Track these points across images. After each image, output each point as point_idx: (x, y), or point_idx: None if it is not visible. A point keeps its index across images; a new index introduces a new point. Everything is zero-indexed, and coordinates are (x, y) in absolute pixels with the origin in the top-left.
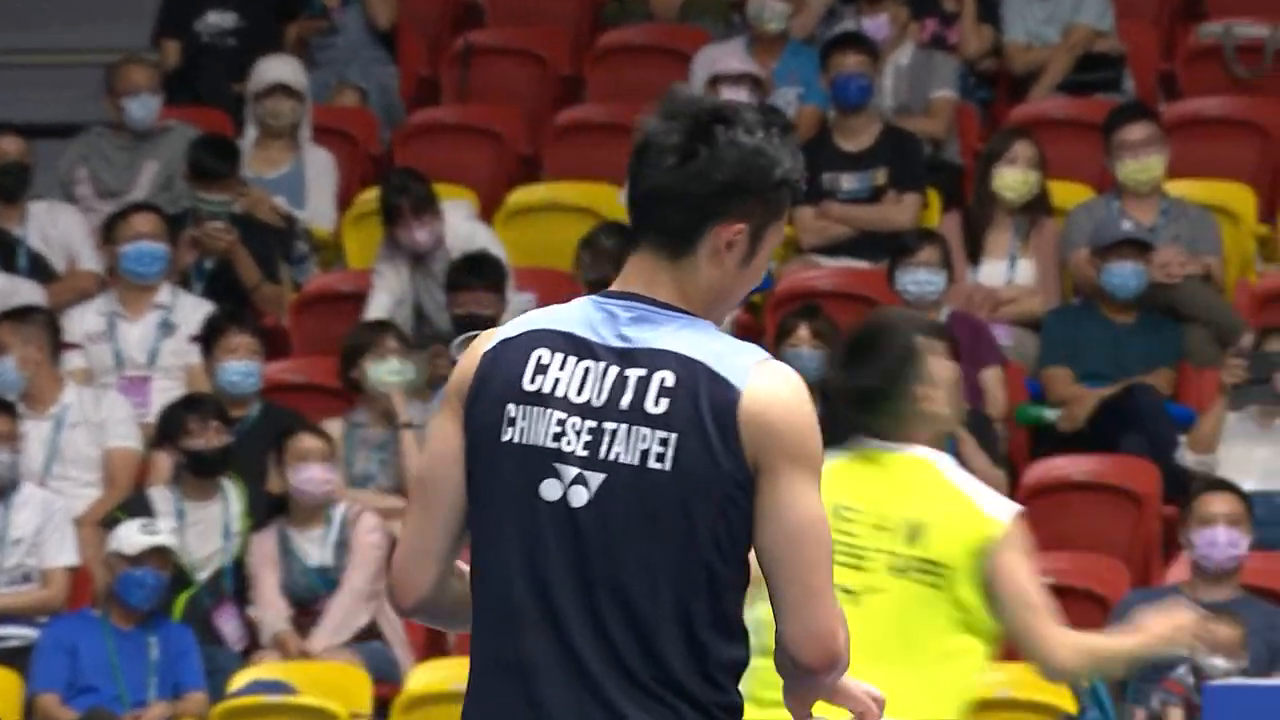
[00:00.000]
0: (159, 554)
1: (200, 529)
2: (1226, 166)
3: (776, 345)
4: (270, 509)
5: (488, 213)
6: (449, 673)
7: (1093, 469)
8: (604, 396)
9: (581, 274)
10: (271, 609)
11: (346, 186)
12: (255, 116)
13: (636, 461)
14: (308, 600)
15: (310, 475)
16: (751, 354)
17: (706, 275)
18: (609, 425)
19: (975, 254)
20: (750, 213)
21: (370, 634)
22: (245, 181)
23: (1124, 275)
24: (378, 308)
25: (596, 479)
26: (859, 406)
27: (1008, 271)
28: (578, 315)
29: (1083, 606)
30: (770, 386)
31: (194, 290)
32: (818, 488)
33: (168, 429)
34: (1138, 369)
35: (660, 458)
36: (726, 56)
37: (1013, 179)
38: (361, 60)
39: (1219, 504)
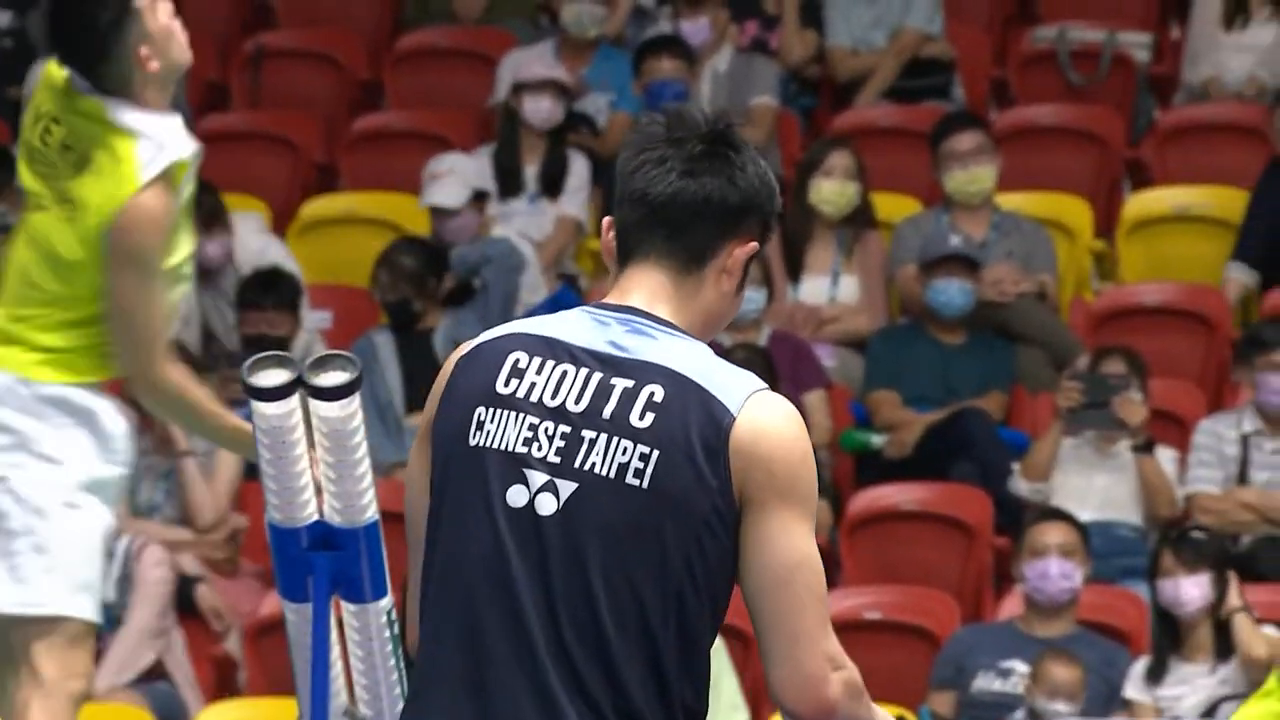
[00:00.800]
0: None
1: None
2: (1061, 178)
3: None
4: None
5: (280, 226)
6: (240, 714)
7: (921, 498)
8: (584, 403)
9: (379, 294)
10: None
11: None
12: None
13: (612, 475)
14: None
15: None
16: (750, 381)
17: (709, 295)
18: (587, 433)
19: (795, 270)
20: (756, 232)
21: (155, 674)
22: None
23: (951, 293)
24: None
25: (567, 488)
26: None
27: (830, 288)
28: (566, 322)
29: (911, 643)
30: (767, 417)
31: None
32: (810, 528)
33: None
34: (968, 392)
35: (638, 474)
36: (532, 61)
37: (830, 191)
38: None
39: (1052, 534)
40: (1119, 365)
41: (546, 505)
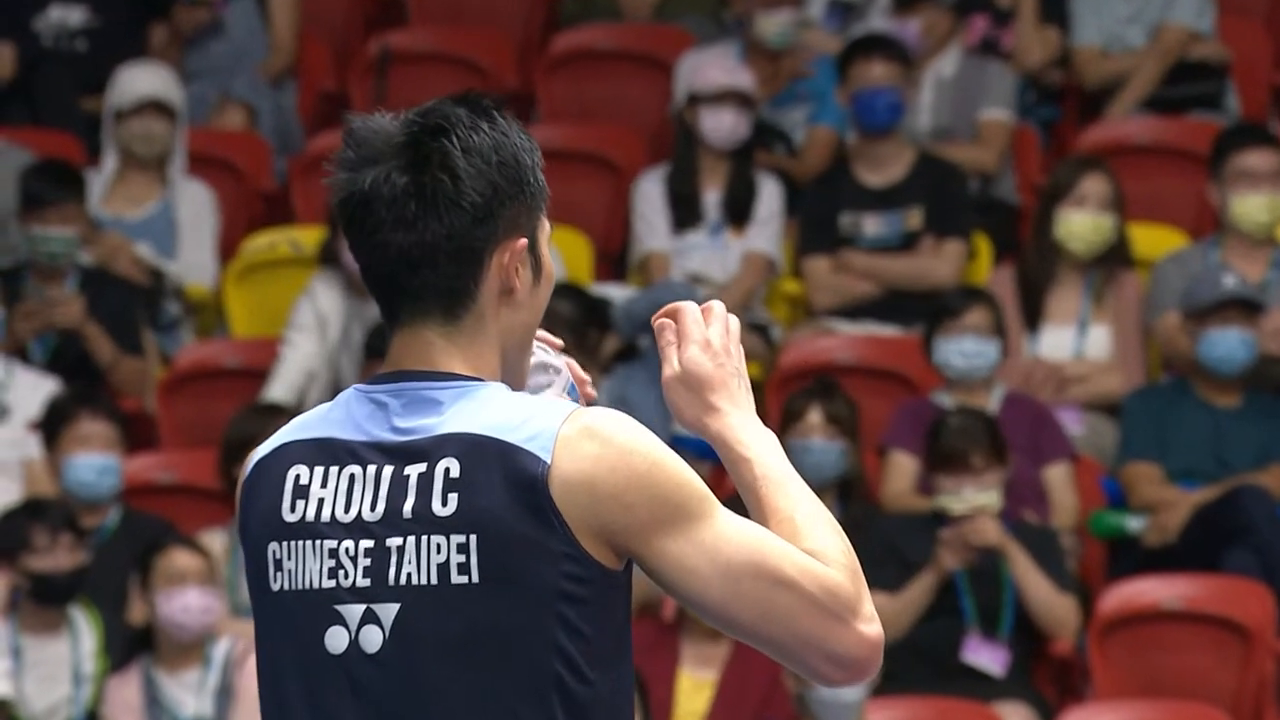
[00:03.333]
0: None
1: (43, 672)
2: None
3: (781, 432)
4: (132, 645)
5: None
6: None
7: (1188, 594)
8: (380, 507)
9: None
10: None
11: (229, 231)
12: (114, 141)
13: (434, 580)
14: None
15: (184, 603)
16: (555, 412)
17: (502, 322)
18: (392, 541)
19: (1034, 318)
20: (519, 221)
21: None
22: (97, 223)
23: (1229, 344)
24: (282, 385)
25: (389, 612)
26: None
27: (1077, 341)
28: (337, 415)
29: None
30: (586, 449)
31: (33, 363)
32: (710, 519)
33: (3, 544)
34: (1245, 465)
35: (463, 568)
36: (710, 66)
37: (1081, 224)
38: (250, 70)
39: None
40: None
41: (373, 640)
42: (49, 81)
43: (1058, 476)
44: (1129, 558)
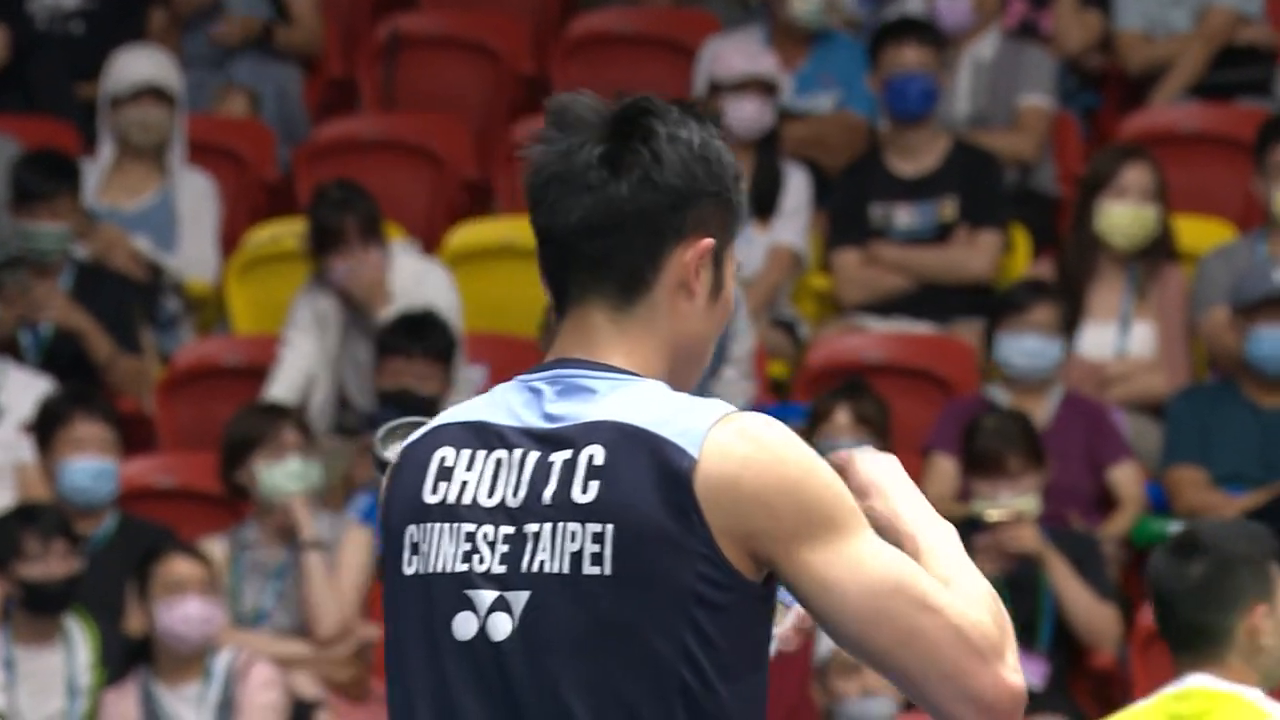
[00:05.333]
0: None
1: (36, 684)
2: None
3: (810, 432)
4: (130, 656)
5: None
6: None
7: None
8: (523, 492)
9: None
10: None
11: (232, 224)
12: (111, 129)
13: (566, 569)
14: None
15: (184, 613)
16: (710, 411)
17: (670, 321)
18: (531, 527)
19: (1075, 315)
20: (710, 224)
21: None
22: (93, 215)
23: (1277, 342)
24: (283, 386)
25: (520, 599)
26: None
27: (1119, 338)
28: (493, 401)
29: None
30: (736, 449)
31: (26, 362)
32: (862, 538)
33: None
34: None
35: (596, 559)
36: (731, 53)
37: (1123, 216)
38: (253, 55)
39: None
40: None
41: (501, 628)
42: (43, 67)
43: (1124, 476)
44: None
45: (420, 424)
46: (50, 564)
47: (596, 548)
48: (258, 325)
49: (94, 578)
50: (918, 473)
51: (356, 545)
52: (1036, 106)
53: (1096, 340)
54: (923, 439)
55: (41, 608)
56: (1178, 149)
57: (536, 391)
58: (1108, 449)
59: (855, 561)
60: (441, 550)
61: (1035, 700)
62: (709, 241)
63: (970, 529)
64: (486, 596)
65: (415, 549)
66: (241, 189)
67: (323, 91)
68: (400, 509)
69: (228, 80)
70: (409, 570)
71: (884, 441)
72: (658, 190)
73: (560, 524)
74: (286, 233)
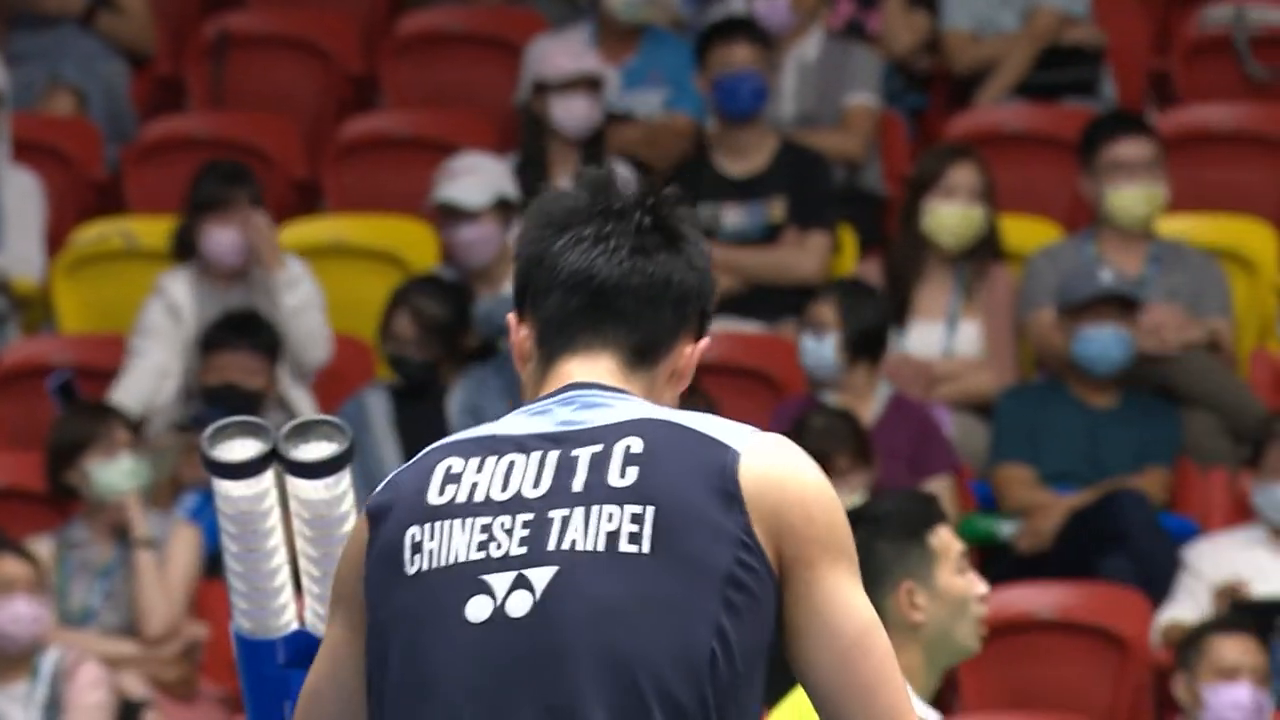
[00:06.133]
0: None
1: None
2: (1237, 197)
3: None
4: None
5: None
6: None
7: (1062, 602)
8: (545, 485)
9: (392, 348)
10: None
11: (58, 222)
12: None
13: (601, 547)
14: None
15: (12, 612)
16: (744, 425)
17: (655, 399)
18: (557, 513)
19: (902, 314)
20: (704, 326)
21: None
22: None
23: (1103, 342)
24: (129, 393)
25: (544, 574)
26: None
27: (946, 337)
28: (498, 423)
29: None
30: (781, 455)
31: None
32: (857, 574)
33: None
34: (1122, 468)
35: (634, 538)
36: (557, 53)
37: (950, 216)
38: (80, 53)
39: (1237, 649)
40: None
41: (521, 605)
42: None
43: (938, 491)
44: (1000, 564)
45: (250, 424)
46: None
47: (635, 528)
48: (85, 324)
49: None
50: None
51: (185, 544)
52: (863, 106)
53: (924, 339)
54: None
55: None
56: (1004, 149)
57: (546, 411)
58: (929, 459)
59: (859, 593)
60: (453, 543)
61: None
62: (707, 342)
63: None
64: (504, 579)
65: (417, 548)
66: (68, 187)
67: (151, 90)
68: (398, 515)
69: (54, 78)
70: (410, 570)
71: None
72: (694, 274)
73: (594, 506)
74: (114, 231)
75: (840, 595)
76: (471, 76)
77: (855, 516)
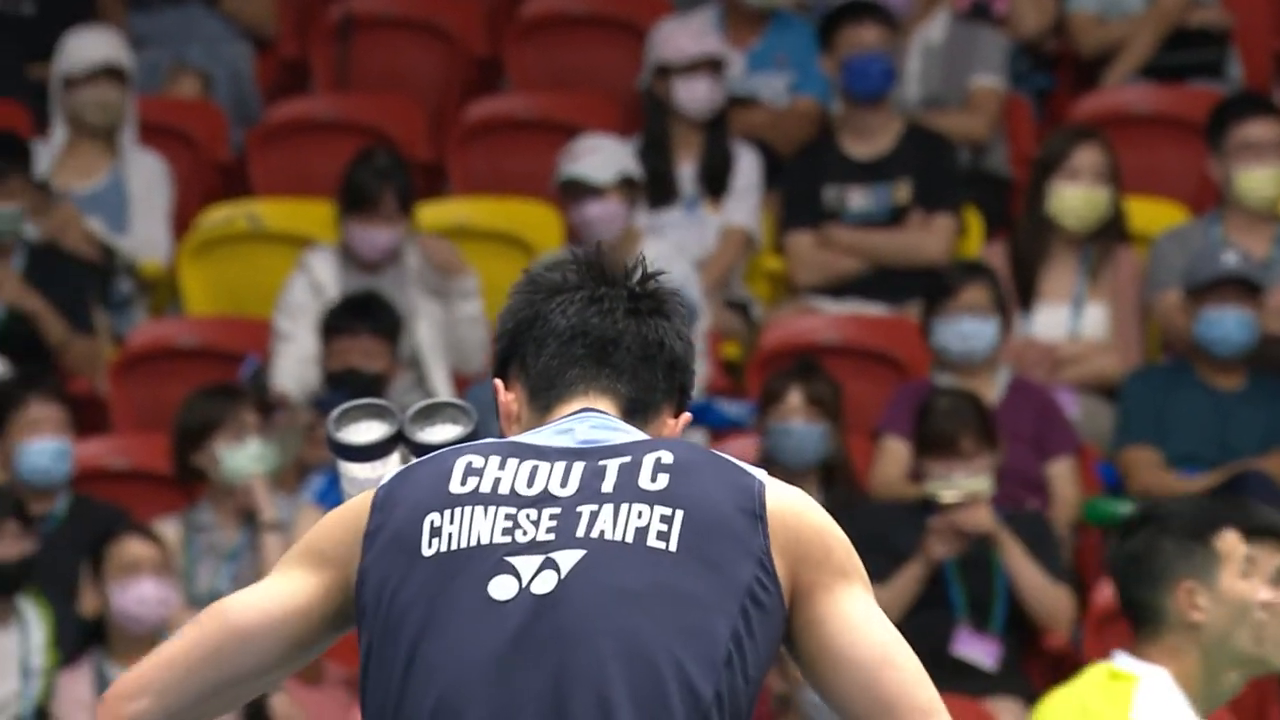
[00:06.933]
0: None
1: None
2: None
3: (761, 414)
4: (84, 638)
5: None
6: None
7: None
8: (571, 486)
9: None
10: None
11: (184, 204)
12: (65, 109)
13: (629, 539)
14: None
15: (138, 594)
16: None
17: None
18: (585, 508)
19: (1027, 296)
20: (685, 401)
21: None
22: (50, 191)
23: (1228, 325)
24: (285, 378)
25: (572, 556)
26: None
27: (1071, 320)
28: (522, 435)
29: None
30: (795, 492)
31: None
32: (871, 595)
33: None
34: (1249, 450)
35: (662, 536)
36: (680, 35)
37: (1075, 197)
38: (204, 36)
39: None
40: None
41: (546, 584)
42: None
43: (1061, 472)
44: None
45: (375, 406)
46: (3, 545)
47: (664, 527)
48: (211, 306)
49: (47, 559)
50: (870, 455)
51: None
52: (989, 87)
53: (1049, 322)
54: (875, 420)
55: None
56: (1130, 130)
57: (567, 430)
58: (1051, 440)
59: (877, 611)
60: (475, 527)
61: (990, 681)
62: (688, 417)
63: (924, 510)
64: (530, 561)
65: (436, 532)
66: (194, 170)
67: (275, 73)
68: (415, 503)
69: (179, 61)
70: (428, 551)
71: (836, 422)
72: (681, 344)
73: (624, 504)
74: (239, 214)
75: (861, 613)
76: (595, 59)
77: (1143, 516)
